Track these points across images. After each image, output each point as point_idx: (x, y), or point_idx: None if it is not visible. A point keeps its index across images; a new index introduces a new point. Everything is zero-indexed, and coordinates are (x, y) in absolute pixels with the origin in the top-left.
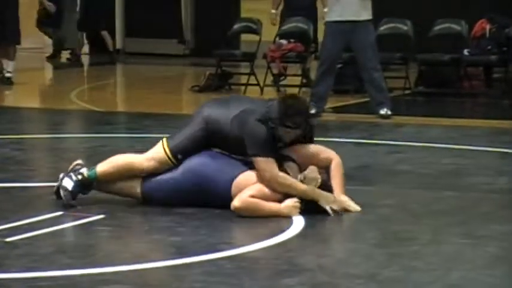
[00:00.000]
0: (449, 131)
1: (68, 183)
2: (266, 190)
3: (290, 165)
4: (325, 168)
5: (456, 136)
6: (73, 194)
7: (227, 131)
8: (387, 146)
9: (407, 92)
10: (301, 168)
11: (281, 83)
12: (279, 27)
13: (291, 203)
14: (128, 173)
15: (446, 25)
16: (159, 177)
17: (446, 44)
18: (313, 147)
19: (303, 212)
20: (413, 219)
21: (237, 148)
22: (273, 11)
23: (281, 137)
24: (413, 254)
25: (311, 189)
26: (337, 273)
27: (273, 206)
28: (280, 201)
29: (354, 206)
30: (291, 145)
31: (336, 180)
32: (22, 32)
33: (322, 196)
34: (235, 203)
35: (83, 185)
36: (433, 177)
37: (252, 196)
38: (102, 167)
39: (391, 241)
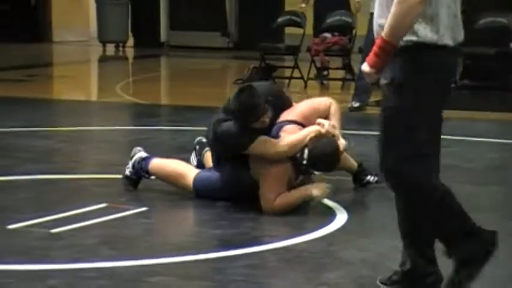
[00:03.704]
0: (495, 125)
1: (127, 171)
2: (278, 177)
3: (288, 129)
4: (326, 117)
5: (502, 130)
6: (130, 180)
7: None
8: None
9: (452, 85)
10: (306, 126)
11: (324, 76)
12: (314, 20)
13: (320, 184)
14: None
15: (493, 18)
16: (210, 173)
17: (492, 37)
18: (309, 105)
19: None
20: None
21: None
22: (303, 5)
23: (259, 127)
24: None
25: (314, 130)
26: (380, 268)
27: (301, 193)
28: (291, 174)
29: (342, 141)
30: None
31: (335, 118)
32: (67, 24)
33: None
34: (264, 210)
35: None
36: (478, 172)
37: (275, 197)
38: (155, 167)
39: None
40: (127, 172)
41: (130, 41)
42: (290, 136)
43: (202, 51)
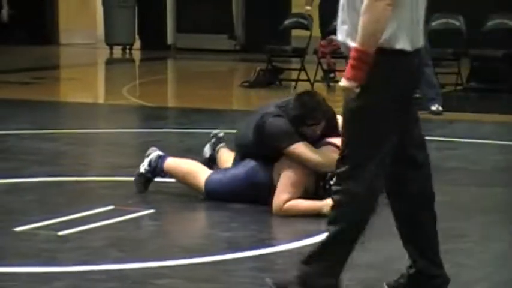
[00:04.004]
0: (502, 128)
1: (141, 169)
2: (296, 182)
3: (329, 149)
4: None
5: (508, 132)
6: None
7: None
8: (438, 142)
9: (459, 87)
10: None
11: (331, 78)
12: (320, 22)
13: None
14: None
15: (500, 20)
16: (222, 174)
17: (499, 39)
18: None
19: None
20: (464, 216)
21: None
22: (308, 7)
23: (308, 135)
24: (464, 251)
25: None
26: (387, 270)
27: (312, 205)
28: (309, 186)
29: None
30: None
31: None
32: (74, 27)
33: None
34: (274, 209)
35: (153, 172)
36: (485, 174)
37: (287, 200)
38: (170, 166)
39: (442, 238)
40: (142, 170)
41: (137, 44)
42: (333, 154)
43: (209, 54)
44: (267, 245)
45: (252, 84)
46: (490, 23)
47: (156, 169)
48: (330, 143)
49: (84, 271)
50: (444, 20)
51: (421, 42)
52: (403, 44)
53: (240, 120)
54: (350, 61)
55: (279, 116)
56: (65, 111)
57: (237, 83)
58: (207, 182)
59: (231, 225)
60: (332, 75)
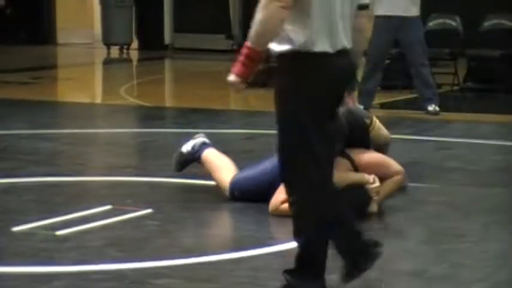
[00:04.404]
0: (499, 128)
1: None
2: None
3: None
4: (385, 180)
5: (506, 132)
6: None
7: None
8: (435, 142)
9: (456, 88)
10: (358, 171)
11: None
12: None
13: None
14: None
15: (497, 20)
16: (247, 171)
17: (496, 40)
18: (383, 158)
19: None
20: (462, 216)
21: None
22: None
23: None
24: (462, 251)
25: (361, 178)
26: (385, 270)
27: None
28: None
29: (374, 205)
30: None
31: (386, 188)
32: (71, 27)
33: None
34: (270, 208)
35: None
36: (483, 174)
37: (285, 200)
38: (206, 157)
39: (440, 238)
40: (183, 149)
41: (135, 44)
42: (343, 172)
43: (207, 54)
44: (265, 245)
45: (249, 84)
46: (486, 23)
47: (195, 154)
48: (347, 156)
49: (82, 271)
50: (441, 20)
51: (344, 43)
52: (321, 46)
53: (238, 120)
54: (240, 57)
55: None
56: (63, 111)
57: None
58: (232, 181)
59: (229, 225)
60: None
